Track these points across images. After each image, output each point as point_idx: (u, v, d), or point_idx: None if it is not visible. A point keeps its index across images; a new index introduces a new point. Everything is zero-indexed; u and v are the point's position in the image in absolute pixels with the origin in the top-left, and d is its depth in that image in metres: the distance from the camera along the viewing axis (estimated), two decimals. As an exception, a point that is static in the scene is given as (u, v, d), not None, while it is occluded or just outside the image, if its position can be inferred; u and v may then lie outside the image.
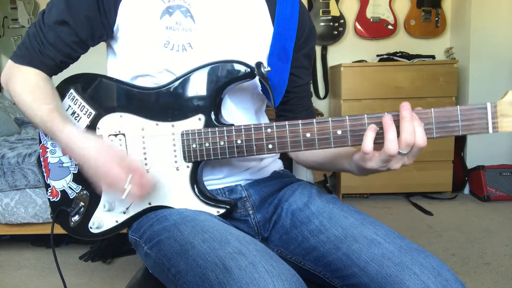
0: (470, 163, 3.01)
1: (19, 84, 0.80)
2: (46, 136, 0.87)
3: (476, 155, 3.01)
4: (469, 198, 2.93)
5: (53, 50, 0.81)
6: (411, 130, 0.65)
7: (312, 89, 3.24)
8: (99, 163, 0.71)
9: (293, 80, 0.91)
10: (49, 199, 0.87)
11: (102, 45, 0.88)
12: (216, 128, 0.76)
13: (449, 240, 2.19)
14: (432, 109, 0.67)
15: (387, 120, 0.67)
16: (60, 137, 0.75)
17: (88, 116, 0.82)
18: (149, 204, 0.82)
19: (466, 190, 3.03)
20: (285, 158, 1.02)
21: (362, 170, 0.74)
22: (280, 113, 0.96)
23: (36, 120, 0.78)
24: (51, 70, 0.83)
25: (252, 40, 0.86)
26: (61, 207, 0.86)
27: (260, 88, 0.88)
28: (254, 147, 0.75)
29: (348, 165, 0.79)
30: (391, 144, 0.66)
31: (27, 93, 0.79)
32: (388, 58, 2.94)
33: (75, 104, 0.83)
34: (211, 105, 0.78)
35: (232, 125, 0.77)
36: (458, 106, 0.66)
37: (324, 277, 0.76)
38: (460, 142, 3.02)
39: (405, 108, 0.66)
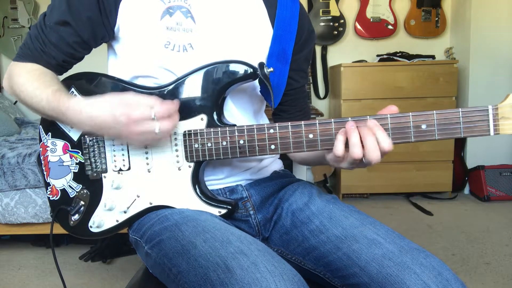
0: (470, 163, 3.01)
1: (23, 75, 0.80)
2: (46, 134, 0.87)
3: (476, 155, 3.01)
4: (469, 198, 2.93)
5: (55, 50, 0.81)
6: (373, 140, 0.67)
7: (312, 89, 3.24)
8: (117, 116, 0.68)
9: (289, 83, 0.92)
10: (48, 197, 0.87)
11: (104, 45, 0.88)
12: (219, 128, 0.76)
13: (449, 240, 2.19)
14: (435, 111, 0.67)
15: (350, 126, 0.68)
16: (67, 113, 0.73)
17: (90, 115, 0.82)
18: (150, 203, 0.82)
19: (466, 190, 3.03)
20: (285, 158, 1.02)
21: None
22: (275, 112, 0.97)
23: (42, 104, 0.76)
24: (54, 69, 0.83)
25: (252, 41, 0.86)
26: (61, 206, 0.86)
27: (259, 90, 0.88)
28: (257, 148, 0.75)
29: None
30: (354, 148, 0.67)
31: (31, 81, 0.78)
32: (388, 58, 2.94)
33: None
34: (213, 105, 0.78)
35: (235, 125, 0.77)
36: (460, 109, 0.67)
37: (325, 277, 0.76)
38: (460, 142, 3.02)
39: (350, 125, 0.69)
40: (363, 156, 0.67)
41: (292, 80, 0.93)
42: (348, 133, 0.68)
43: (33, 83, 0.78)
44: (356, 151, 0.67)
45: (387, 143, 0.67)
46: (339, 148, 0.69)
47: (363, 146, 0.67)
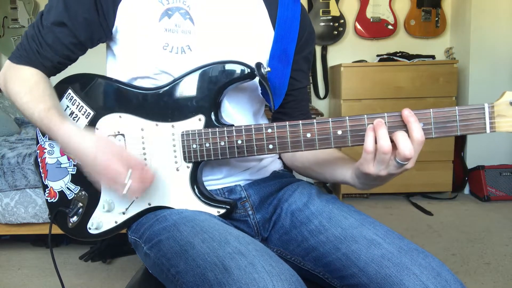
0: (470, 163, 3.01)
1: (17, 84, 0.80)
2: (43, 136, 0.87)
3: (476, 155, 3.01)
4: (469, 198, 2.93)
5: (51, 52, 0.81)
6: (406, 137, 0.65)
7: (312, 89, 3.24)
8: (98, 159, 0.71)
9: (291, 83, 0.91)
10: (46, 200, 0.87)
11: (102, 46, 0.88)
12: (217, 129, 0.76)
13: (449, 240, 2.19)
14: (431, 109, 0.67)
15: (377, 121, 0.67)
16: (57, 135, 0.75)
17: (87, 116, 0.82)
18: (149, 204, 0.82)
19: (466, 190, 3.03)
20: (285, 158, 1.02)
21: (363, 177, 0.73)
22: (277, 116, 0.96)
23: (34, 118, 0.77)
24: (49, 71, 0.83)
25: (252, 42, 0.86)
26: (59, 208, 0.86)
27: (260, 91, 0.88)
28: (255, 147, 0.75)
29: (350, 178, 0.78)
30: (381, 140, 0.65)
31: (24, 92, 0.79)
32: (388, 58, 2.94)
33: (73, 105, 0.83)
34: (211, 105, 0.78)
35: (232, 125, 0.77)
36: (456, 107, 0.67)
37: (324, 277, 0.76)
38: (460, 142, 3.02)
39: (379, 124, 0.66)
40: (397, 152, 0.65)
41: (294, 80, 0.92)
42: (376, 127, 0.67)
43: (26, 94, 0.79)
44: (383, 144, 0.65)
45: (419, 134, 0.65)
46: (368, 143, 0.67)
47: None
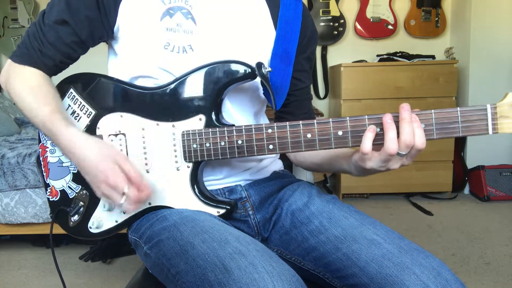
0: (470, 163, 3.01)
1: (19, 84, 0.80)
2: (46, 136, 0.87)
3: (476, 155, 3.01)
4: (469, 198, 2.93)
5: (52, 50, 0.81)
6: (411, 131, 0.66)
7: (312, 89, 3.24)
8: (99, 166, 0.71)
9: (294, 83, 0.92)
10: (48, 198, 0.87)
11: (104, 45, 0.88)
12: (217, 129, 0.76)
13: (449, 240, 2.19)
14: (433, 110, 0.67)
15: (387, 120, 0.67)
16: (60, 140, 0.75)
17: (88, 115, 0.82)
18: (149, 204, 0.82)
19: (466, 190, 3.03)
20: (285, 159, 1.02)
21: (361, 170, 0.75)
22: (280, 115, 0.97)
23: (36, 121, 0.77)
24: (50, 70, 0.83)
25: (254, 42, 0.86)
26: (60, 207, 0.86)
27: (262, 92, 0.88)
28: (255, 148, 0.75)
29: (347, 166, 0.80)
30: (391, 143, 0.66)
31: (26, 93, 0.79)
32: (388, 58, 2.94)
33: (75, 104, 0.83)
34: (211, 105, 0.78)
35: (233, 125, 0.77)
36: (458, 108, 0.67)
37: (324, 277, 0.76)
38: (460, 142, 3.02)
39: (405, 109, 0.67)
40: (399, 140, 0.66)
41: (297, 80, 0.93)
42: (385, 127, 0.67)
43: (28, 95, 0.78)
44: (392, 147, 0.66)
45: (420, 142, 0.66)
46: (366, 145, 0.68)
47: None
